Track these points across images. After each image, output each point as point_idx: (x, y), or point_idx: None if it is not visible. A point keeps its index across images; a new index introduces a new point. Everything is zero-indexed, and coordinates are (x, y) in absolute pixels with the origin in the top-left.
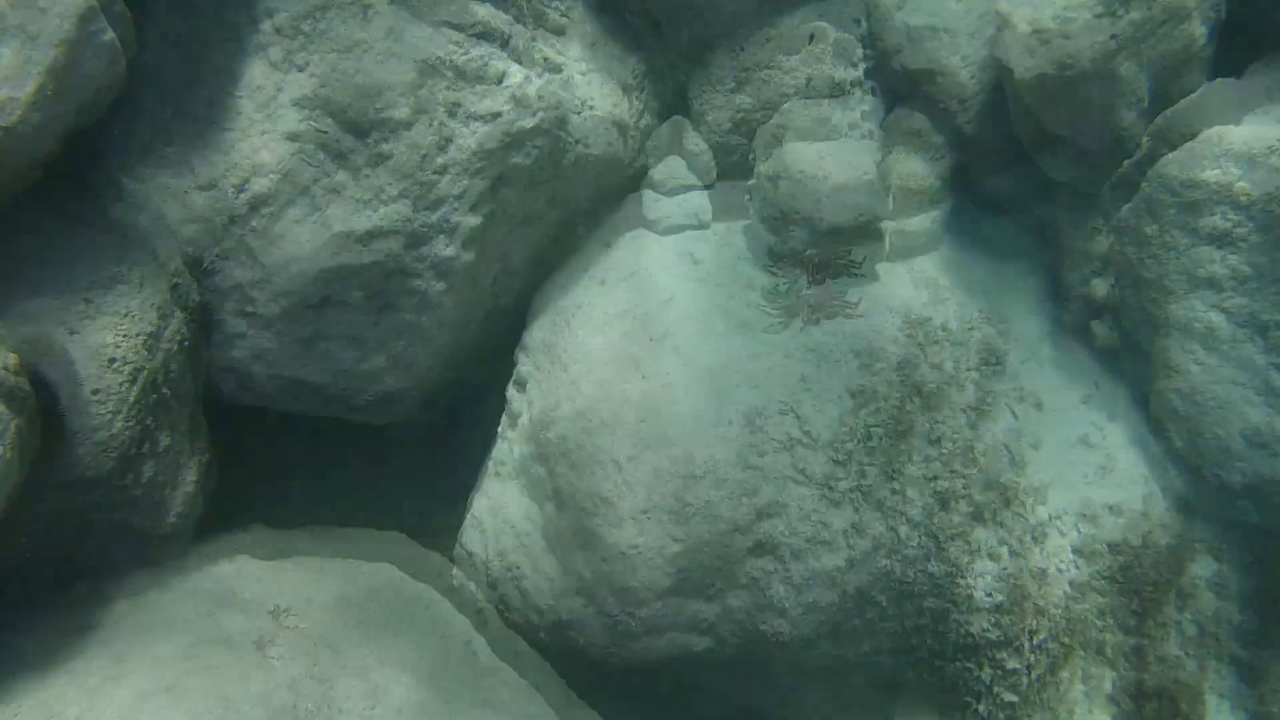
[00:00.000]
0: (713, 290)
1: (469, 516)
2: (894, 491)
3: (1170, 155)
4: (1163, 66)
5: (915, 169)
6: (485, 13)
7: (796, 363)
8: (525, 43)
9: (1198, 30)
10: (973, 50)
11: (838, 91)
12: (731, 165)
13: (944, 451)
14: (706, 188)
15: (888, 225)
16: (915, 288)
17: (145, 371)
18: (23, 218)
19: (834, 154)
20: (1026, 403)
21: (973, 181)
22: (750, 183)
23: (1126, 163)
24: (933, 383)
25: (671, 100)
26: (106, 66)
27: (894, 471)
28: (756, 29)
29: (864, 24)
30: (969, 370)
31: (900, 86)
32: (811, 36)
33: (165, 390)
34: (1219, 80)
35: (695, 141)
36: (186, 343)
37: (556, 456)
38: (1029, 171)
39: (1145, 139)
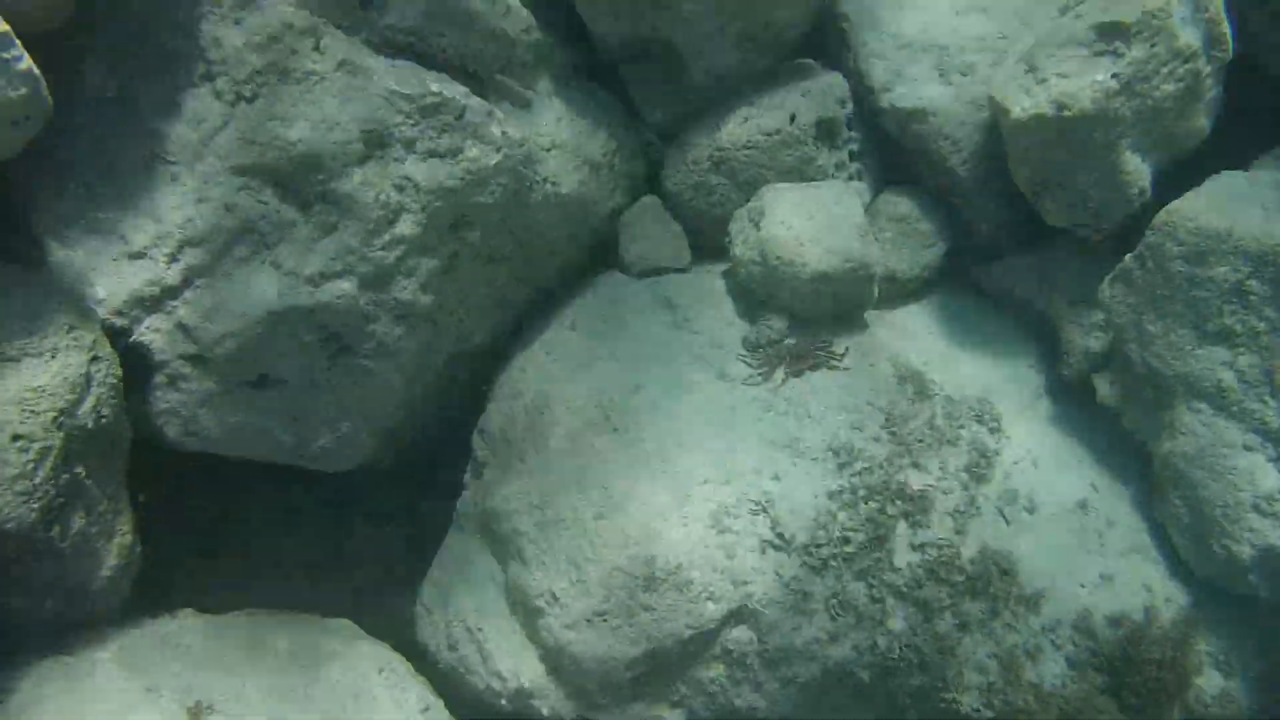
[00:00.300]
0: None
1: (430, 571)
2: (874, 600)
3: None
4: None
5: (902, 261)
6: (439, 84)
7: (770, 455)
8: (483, 117)
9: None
10: (965, 135)
11: (820, 175)
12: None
13: (928, 559)
14: (680, 270)
15: (871, 315)
16: (900, 381)
17: (66, 427)
18: None
19: (814, 238)
20: (1018, 504)
21: (967, 269)
22: (725, 268)
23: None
24: (917, 487)
25: (644, 180)
26: (26, 97)
27: (874, 580)
28: (735, 107)
29: (848, 103)
30: (957, 473)
31: (889, 168)
32: (793, 117)
33: (90, 447)
34: (1225, 174)
35: (669, 222)
36: (115, 388)
37: (509, 552)
38: (1026, 257)
39: (1149, 233)
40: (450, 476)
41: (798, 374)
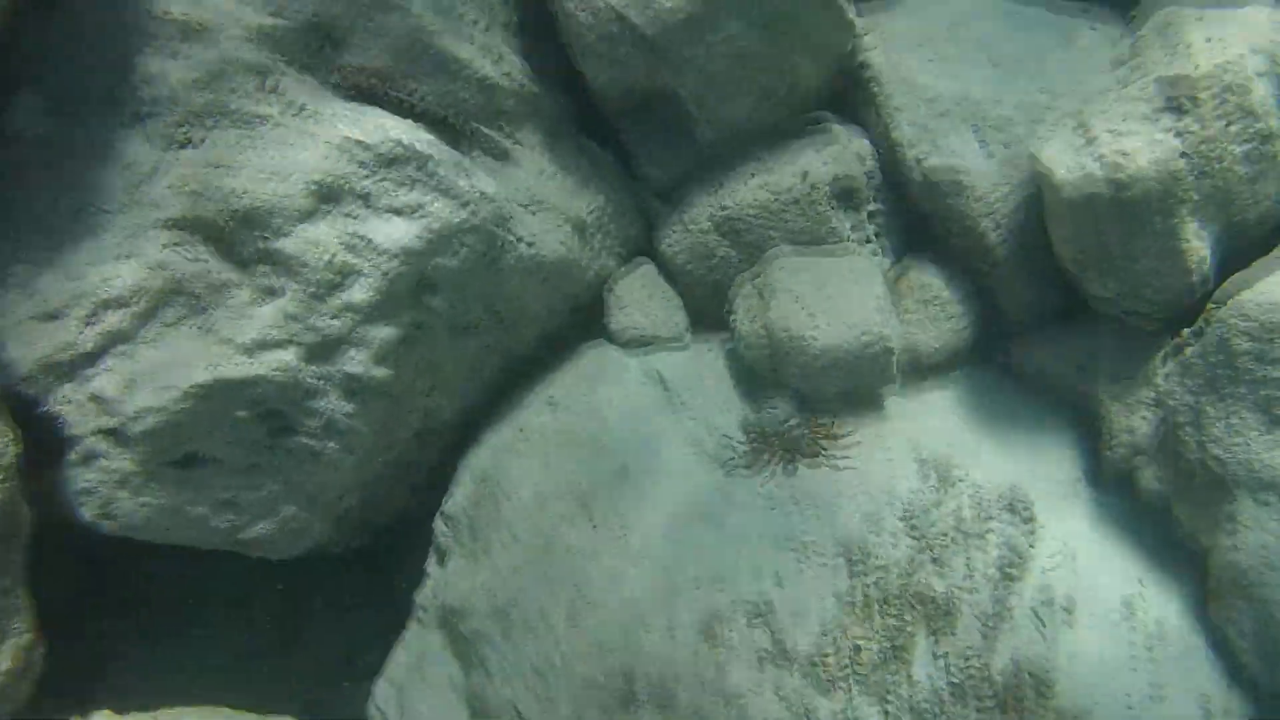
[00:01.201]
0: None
1: (386, 667)
2: None
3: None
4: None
5: (926, 339)
6: (401, 130)
7: (770, 554)
8: (451, 169)
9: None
10: (1001, 203)
11: (835, 242)
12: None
13: (953, 673)
14: (675, 343)
15: (891, 398)
16: (922, 469)
17: None
18: None
19: (827, 312)
20: (1055, 607)
21: (997, 346)
22: (726, 342)
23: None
24: (940, 590)
25: (639, 242)
26: None
27: (890, 699)
28: (743, 164)
29: (870, 163)
30: (985, 573)
31: (914, 235)
32: (805, 175)
33: None
34: None
35: (663, 289)
36: (11, 469)
37: (471, 657)
38: (1064, 335)
39: (1211, 306)
40: (421, 559)
41: (789, 467)
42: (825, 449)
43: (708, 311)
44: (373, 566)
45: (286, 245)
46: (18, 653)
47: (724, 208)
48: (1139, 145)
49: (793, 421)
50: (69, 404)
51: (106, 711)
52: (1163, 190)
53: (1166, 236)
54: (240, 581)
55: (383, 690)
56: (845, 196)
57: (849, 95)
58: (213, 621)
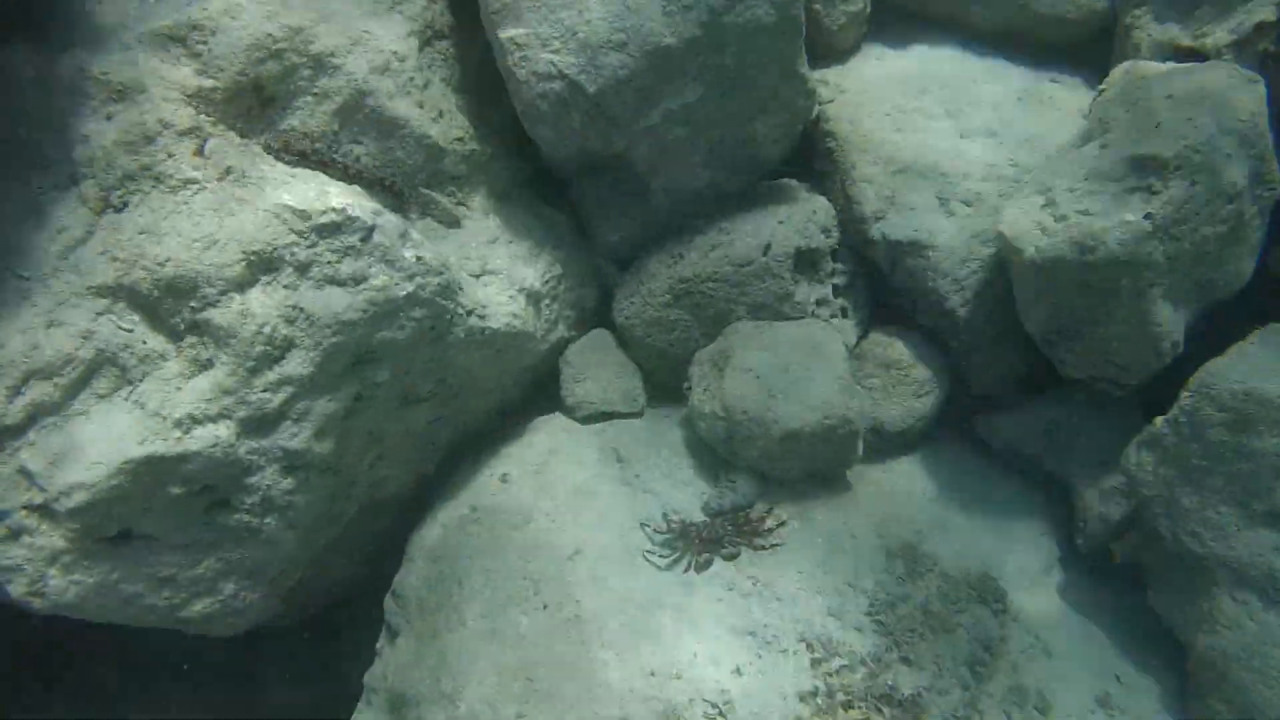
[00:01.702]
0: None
1: None
2: None
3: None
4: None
5: (892, 411)
6: (342, 197)
7: (731, 644)
8: (394, 239)
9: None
10: (967, 273)
11: (798, 312)
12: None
13: None
14: (633, 416)
15: (856, 472)
16: (889, 558)
17: None
18: None
19: (787, 389)
20: (1028, 706)
21: (966, 418)
22: (685, 417)
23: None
24: (907, 690)
25: (594, 309)
26: None
27: None
28: (702, 232)
29: (833, 229)
30: (955, 669)
31: (880, 303)
32: (768, 247)
33: None
34: (1272, 326)
35: (621, 360)
36: None
37: None
38: (1035, 409)
39: (1185, 394)
40: (376, 630)
41: (704, 565)
42: (787, 534)
43: (667, 382)
44: (329, 637)
45: (217, 316)
46: None
47: (683, 279)
48: (1108, 222)
49: (754, 504)
50: None
51: None
52: (1131, 264)
53: (1135, 309)
54: (191, 652)
55: None
56: (808, 265)
57: (808, 150)
58: (162, 694)
